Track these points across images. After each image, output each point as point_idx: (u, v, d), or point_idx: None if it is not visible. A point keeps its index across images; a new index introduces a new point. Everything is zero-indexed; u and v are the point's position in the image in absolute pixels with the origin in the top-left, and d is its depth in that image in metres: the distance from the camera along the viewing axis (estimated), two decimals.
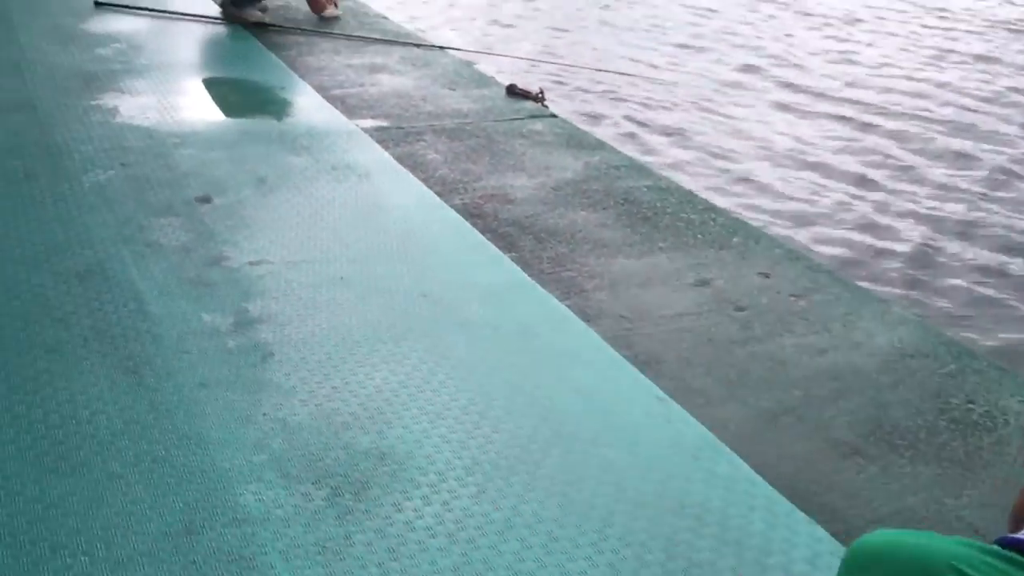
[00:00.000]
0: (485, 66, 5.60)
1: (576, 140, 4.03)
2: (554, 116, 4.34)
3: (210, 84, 4.42)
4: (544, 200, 3.37)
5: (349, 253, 2.87)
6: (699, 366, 2.44)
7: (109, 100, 3.98)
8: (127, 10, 5.44)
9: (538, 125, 4.17)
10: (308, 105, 4.19)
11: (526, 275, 2.82)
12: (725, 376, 2.40)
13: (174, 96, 4.14)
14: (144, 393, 2.14)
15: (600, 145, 4.04)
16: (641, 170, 3.79)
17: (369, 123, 4.00)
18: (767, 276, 2.94)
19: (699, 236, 3.18)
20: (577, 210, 3.32)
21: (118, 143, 3.52)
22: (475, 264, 2.88)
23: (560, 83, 6.93)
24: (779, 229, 4.78)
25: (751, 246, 3.13)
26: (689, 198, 3.50)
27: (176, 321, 2.43)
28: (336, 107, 4.17)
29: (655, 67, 7.79)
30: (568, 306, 2.66)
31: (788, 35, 9.35)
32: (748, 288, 2.85)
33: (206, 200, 3.13)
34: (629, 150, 4.70)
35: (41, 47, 4.61)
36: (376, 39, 5.32)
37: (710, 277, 2.90)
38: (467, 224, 3.14)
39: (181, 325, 2.42)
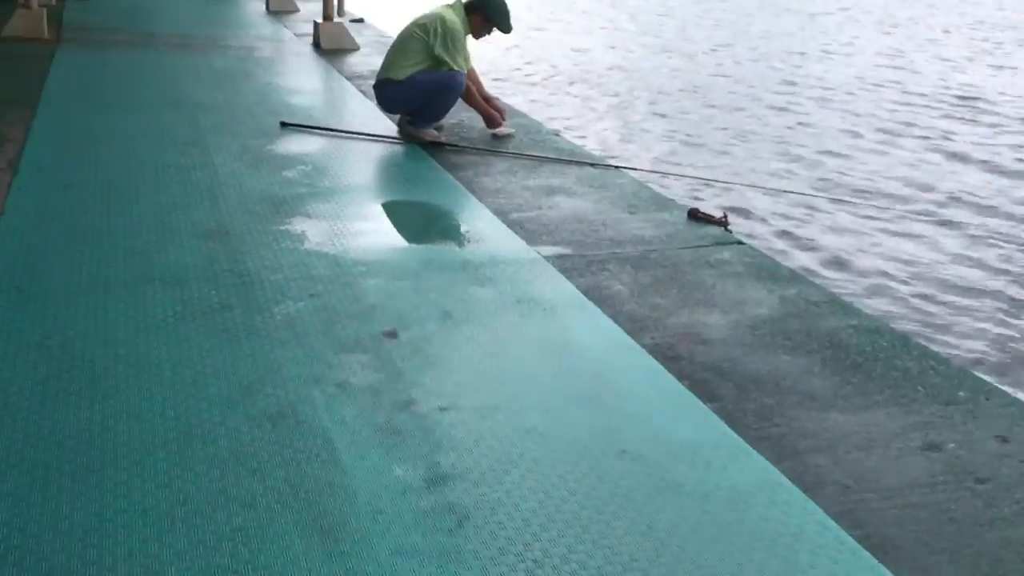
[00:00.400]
0: (648, 180, 5.51)
1: (768, 271, 3.83)
2: (741, 243, 4.16)
3: (391, 208, 4.48)
4: (741, 341, 3.17)
5: (540, 400, 2.75)
6: (942, 552, 2.15)
7: (297, 225, 4.07)
8: (310, 130, 5.66)
9: (725, 253, 4.00)
10: (488, 230, 4.16)
11: (732, 431, 2.62)
12: (974, 566, 2.10)
13: (358, 220, 4.20)
14: (340, 560, 2.04)
15: (794, 277, 3.82)
16: (844, 307, 3.54)
17: (550, 250, 3.93)
18: (1006, 440, 2.63)
19: (919, 388, 2.90)
20: (778, 353, 3.10)
21: (306, 271, 3.56)
22: (674, 416, 2.70)
23: (740, 204, 6.73)
24: (1008, 385, 4.36)
25: (981, 402, 2.83)
26: (903, 342, 3.22)
27: (368, 475, 2.35)
28: (516, 232, 4.13)
29: (844, 175, 7.48)
30: (782, 471, 2.44)
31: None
32: (986, 455, 2.55)
33: (393, 335, 3.09)
34: (825, 280, 4.44)
35: (233, 169, 4.81)
36: (551, 158, 5.32)
37: (940, 440, 2.61)
38: (661, 368, 2.97)
39: (373, 480, 2.33)
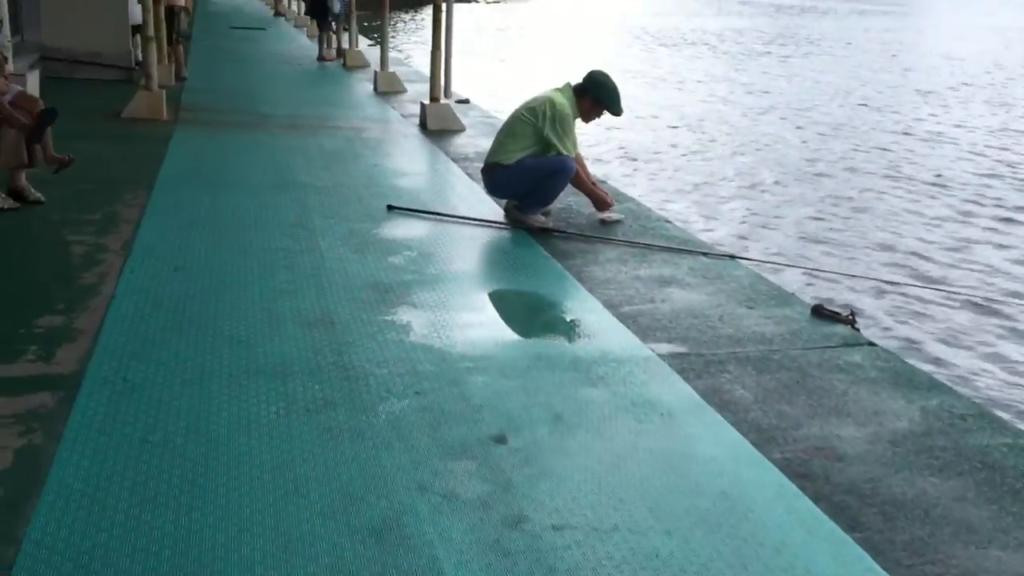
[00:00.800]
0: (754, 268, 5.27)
1: (905, 377, 3.54)
2: (872, 344, 3.88)
3: (498, 297, 4.36)
4: (882, 459, 2.90)
5: (662, 520, 2.53)
6: None
7: (402, 315, 3.97)
8: (417, 214, 5.63)
9: (855, 356, 3.73)
10: (599, 325, 3.99)
11: (881, 569, 2.34)
12: None
13: (464, 311, 4.09)
14: None
15: (934, 385, 3.52)
16: (993, 421, 3.23)
17: (665, 348, 3.73)
18: None
19: None
20: (924, 474, 2.82)
21: (411, 366, 3.44)
22: (812, 546, 2.44)
23: (859, 298, 6.41)
24: None
25: None
26: None
27: None
28: (628, 327, 3.95)
29: (989, 271, 7.06)
30: None
31: None
32: None
33: (502, 440, 2.93)
34: (969, 389, 4.11)
35: (339, 254, 4.78)
36: (661, 246, 5.14)
37: None
38: (793, 487, 2.72)
39: None
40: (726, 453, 2.93)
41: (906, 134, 15.59)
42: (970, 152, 13.85)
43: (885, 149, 13.91)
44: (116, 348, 3.45)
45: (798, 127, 15.63)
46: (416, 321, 3.92)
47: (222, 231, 5.05)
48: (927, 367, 4.35)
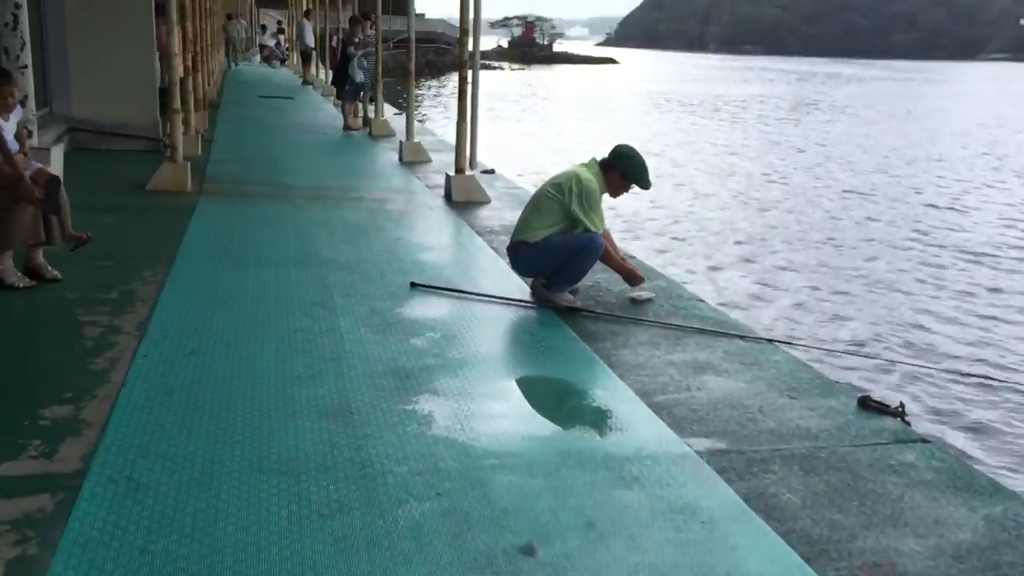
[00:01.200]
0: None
1: (963, 480, 3.29)
2: (925, 441, 3.64)
3: (525, 385, 4.15)
4: None
5: None
6: None
7: (423, 404, 3.78)
8: (440, 292, 5.47)
9: (909, 455, 3.49)
10: (632, 416, 3.78)
11: None
12: None
13: (489, 400, 3.89)
14: None
15: (997, 489, 3.26)
16: None
17: (703, 443, 3.51)
18: None
19: None
20: None
21: (433, 463, 3.24)
22: None
23: (908, 386, 6.16)
24: None
25: None
26: None
27: None
28: (663, 418, 3.74)
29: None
30: None
31: None
32: None
33: (530, 552, 2.71)
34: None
35: (359, 335, 4.62)
36: (695, 328, 4.94)
37: None
38: None
39: None
40: (775, 569, 2.69)
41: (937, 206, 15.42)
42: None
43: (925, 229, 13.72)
44: (123, 443, 3.27)
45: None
46: (438, 411, 3.73)
47: (241, 310, 4.91)
48: (983, 463, 4.09)
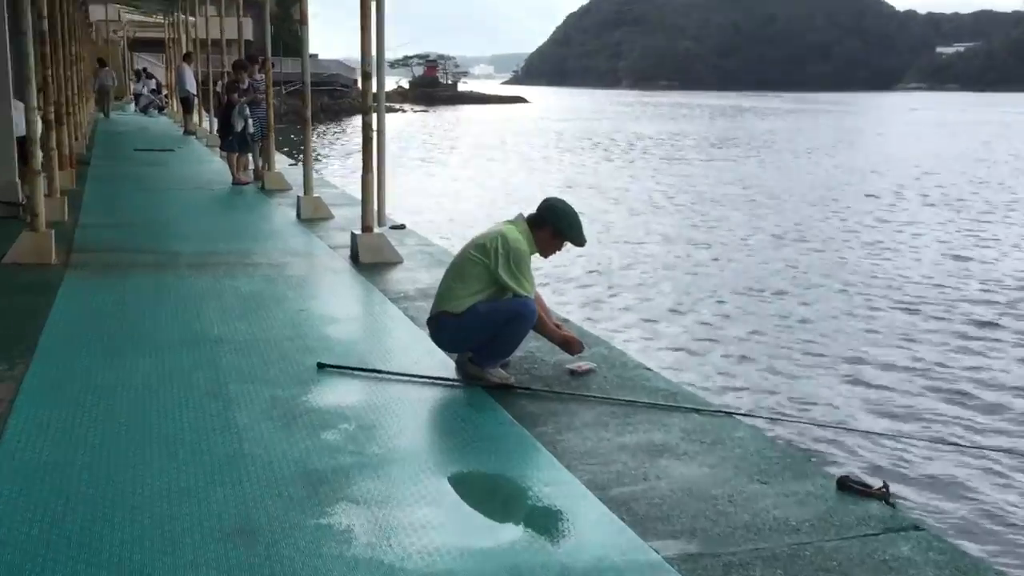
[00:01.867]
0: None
1: (965, 574, 3.09)
2: (919, 528, 3.45)
3: (459, 484, 3.83)
4: None
5: None
6: None
7: (341, 516, 3.44)
8: (353, 372, 5.13)
9: (902, 546, 3.28)
10: (586, 517, 3.50)
11: None
12: None
13: (417, 506, 3.56)
14: None
15: None
16: None
17: (673, 547, 3.25)
18: None
19: None
20: None
21: None
22: None
23: (886, 460, 6.03)
24: None
25: None
26: None
27: None
28: (622, 517, 3.47)
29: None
30: None
31: None
32: None
33: None
34: None
35: (260, 431, 4.25)
36: (646, 403, 4.70)
37: None
38: None
39: None
40: None
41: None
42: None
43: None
44: None
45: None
46: (359, 524, 3.39)
47: (114, 413, 4.47)
48: (981, 541, 3.92)
